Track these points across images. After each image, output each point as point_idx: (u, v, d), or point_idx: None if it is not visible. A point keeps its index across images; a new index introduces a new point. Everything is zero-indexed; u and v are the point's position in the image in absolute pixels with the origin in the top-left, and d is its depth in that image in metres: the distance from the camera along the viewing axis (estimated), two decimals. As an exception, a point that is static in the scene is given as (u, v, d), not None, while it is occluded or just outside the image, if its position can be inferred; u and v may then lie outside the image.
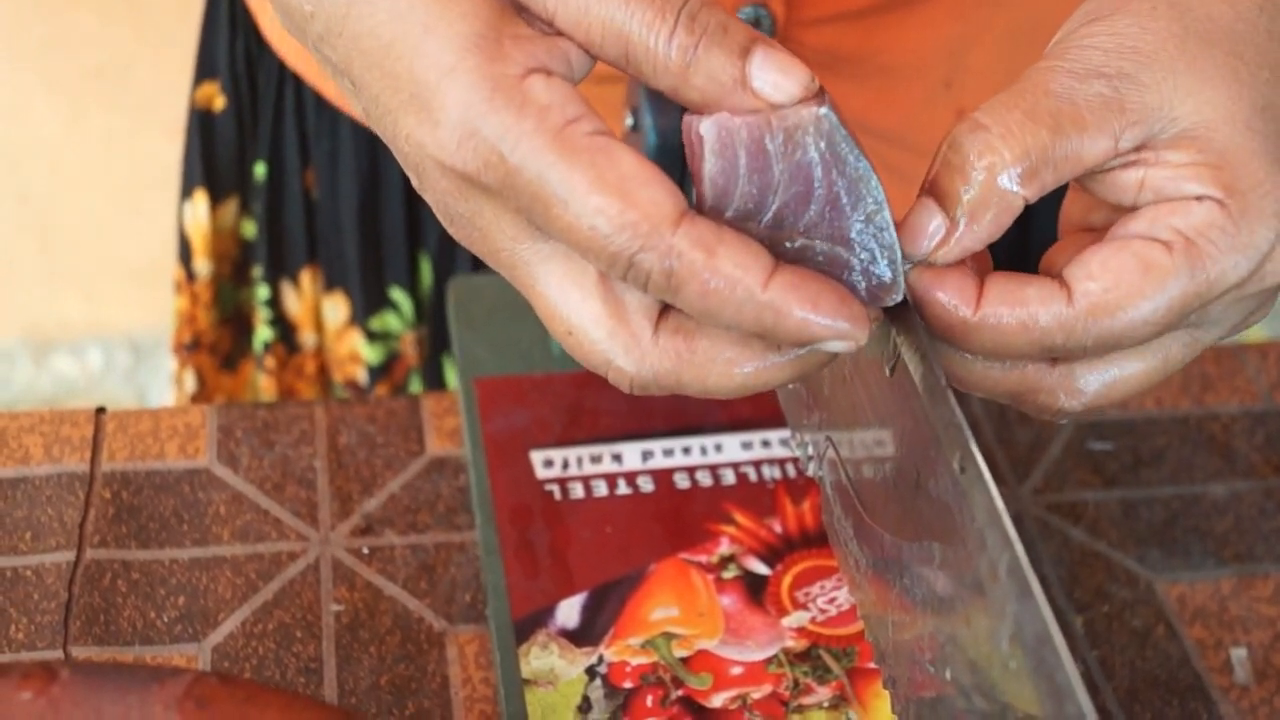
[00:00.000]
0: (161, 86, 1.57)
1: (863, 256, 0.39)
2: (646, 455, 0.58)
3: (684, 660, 0.52)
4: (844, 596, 0.54)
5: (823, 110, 0.38)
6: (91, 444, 0.59)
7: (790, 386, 0.50)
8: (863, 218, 0.39)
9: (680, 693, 0.51)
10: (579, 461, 0.58)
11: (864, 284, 0.40)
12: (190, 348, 0.87)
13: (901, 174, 0.69)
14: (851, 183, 0.39)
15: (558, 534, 0.55)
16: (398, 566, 0.56)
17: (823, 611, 0.54)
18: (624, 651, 0.52)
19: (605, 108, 0.67)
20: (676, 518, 0.56)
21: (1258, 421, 0.64)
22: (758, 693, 0.51)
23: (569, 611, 0.53)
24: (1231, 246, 0.40)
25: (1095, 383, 0.43)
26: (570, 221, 0.36)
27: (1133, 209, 0.42)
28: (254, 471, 0.59)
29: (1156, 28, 0.41)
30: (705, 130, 0.38)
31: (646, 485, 0.57)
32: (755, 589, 0.54)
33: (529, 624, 0.52)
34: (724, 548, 0.55)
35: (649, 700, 0.50)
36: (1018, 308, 0.40)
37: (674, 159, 0.57)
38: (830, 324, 0.37)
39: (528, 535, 0.55)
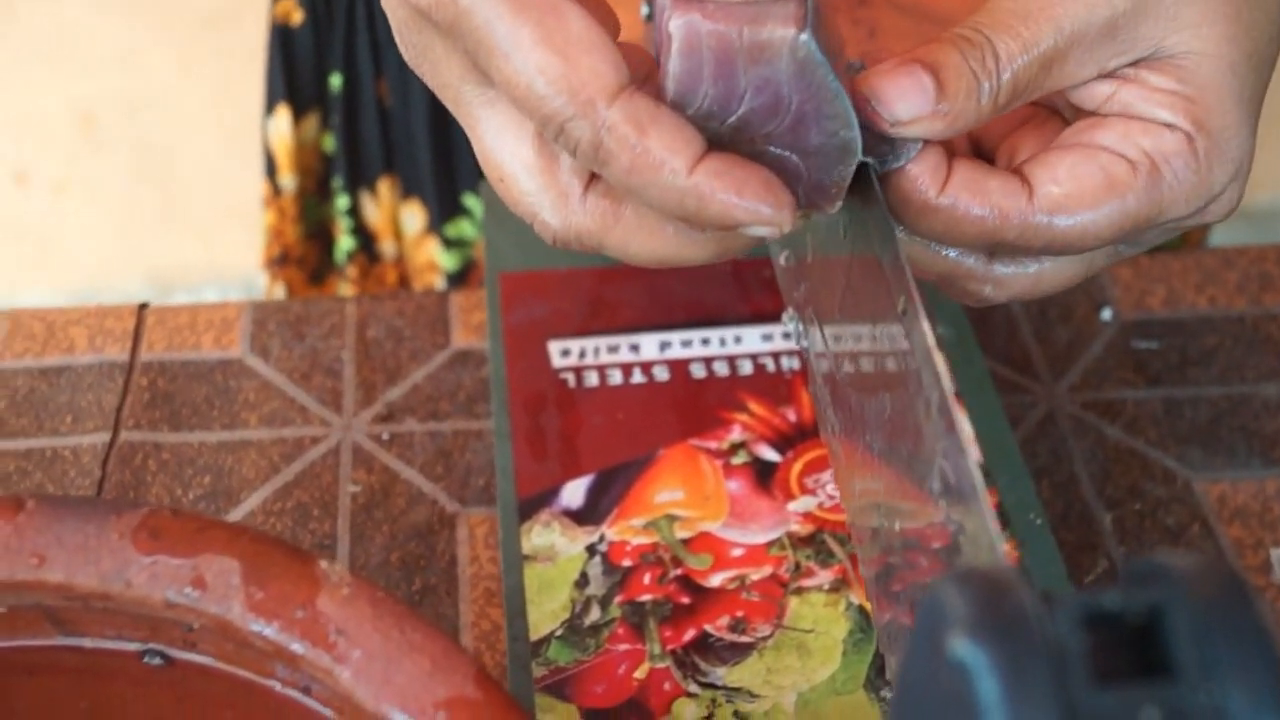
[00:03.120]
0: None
1: (819, 167, 0.41)
2: (664, 346, 0.61)
3: (685, 541, 0.55)
4: (853, 484, 0.57)
5: (803, 37, 0.39)
6: (133, 336, 0.64)
7: (783, 261, 0.53)
8: (827, 136, 0.40)
9: (679, 572, 0.54)
10: (596, 351, 0.61)
11: (812, 189, 0.41)
12: (279, 262, 0.92)
13: None
14: (821, 105, 0.40)
15: (569, 419, 0.59)
16: (415, 451, 0.60)
17: (830, 498, 0.56)
18: (625, 531, 0.55)
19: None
20: (690, 406, 0.59)
21: (1317, 320, 0.65)
22: (757, 574, 0.54)
23: (574, 492, 0.56)
24: (1190, 182, 0.42)
25: (1023, 278, 0.45)
26: (510, 75, 0.38)
27: (1093, 114, 0.44)
28: (284, 362, 0.64)
29: None
30: (674, 29, 0.39)
31: (662, 375, 0.60)
32: (764, 475, 0.57)
33: (534, 503, 0.56)
34: (735, 434, 0.58)
35: (646, 578, 0.54)
36: (979, 198, 0.42)
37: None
38: (752, 209, 0.38)
39: (539, 420, 0.59)
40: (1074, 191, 0.42)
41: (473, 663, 0.36)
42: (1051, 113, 0.46)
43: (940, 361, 0.39)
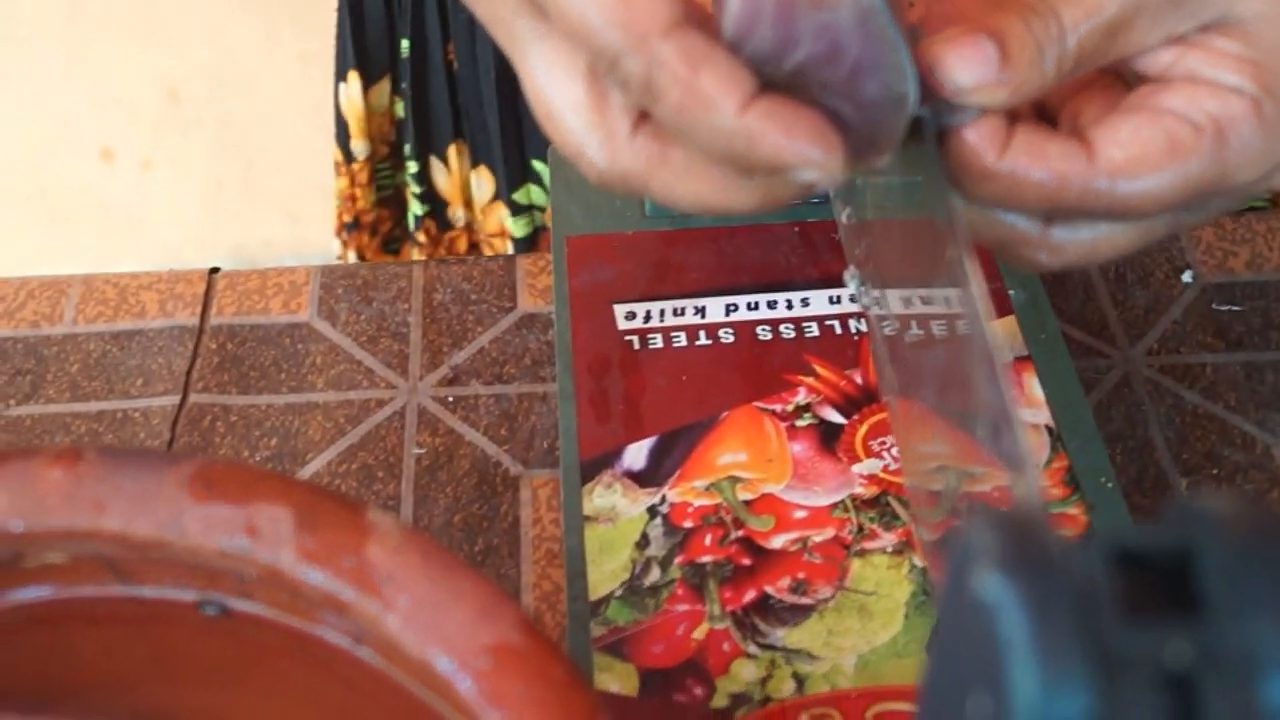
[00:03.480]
0: None
1: (872, 119, 0.40)
2: (730, 309, 0.61)
3: (747, 503, 0.55)
4: (919, 447, 0.56)
5: None
6: (203, 300, 0.65)
7: (844, 219, 0.53)
8: (883, 88, 0.40)
9: (740, 533, 0.54)
10: (661, 314, 0.61)
11: (863, 141, 0.41)
12: (351, 228, 0.93)
13: None
14: (880, 56, 0.39)
15: (632, 382, 0.59)
16: (480, 414, 0.61)
17: (896, 460, 0.56)
18: (687, 493, 0.55)
19: None
20: (755, 368, 0.59)
21: (1404, 283, 0.64)
22: (819, 536, 0.54)
23: (636, 454, 0.56)
24: (1256, 148, 0.42)
25: (1080, 245, 0.44)
26: (565, 6, 0.38)
27: (1158, 79, 0.43)
28: (351, 326, 0.64)
29: None
30: None
31: (727, 337, 0.60)
32: (829, 437, 0.57)
33: (596, 465, 0.56)
34: (800, 397, 0.58)
35: (707, 539, 0.54)
36: (1039, 162, 0.42)
37: None
38: (802, 151, 0.38)
39: (603, 383, 0.59)
40: (1136, 155, 0.41)
41: (518, 610, 0.36)
42: (1115, 77, 0.45)
43: (990, 324, 0.39)
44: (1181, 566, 0.25)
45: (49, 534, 0.39)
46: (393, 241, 0.95)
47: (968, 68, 0.41)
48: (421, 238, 0.90)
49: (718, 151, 0.39)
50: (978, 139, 0.42)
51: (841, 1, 0.39)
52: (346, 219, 0.93)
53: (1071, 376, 0.59)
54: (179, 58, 1.80)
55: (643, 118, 0.41)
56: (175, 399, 0.61)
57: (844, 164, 0.39)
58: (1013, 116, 0.43)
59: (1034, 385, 0.58)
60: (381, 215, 0.94)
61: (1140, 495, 0.57)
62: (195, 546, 0.38)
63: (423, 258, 0.91)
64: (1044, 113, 0.46)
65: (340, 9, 0.89)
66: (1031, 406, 0.57)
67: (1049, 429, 0.56)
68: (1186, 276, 0.64)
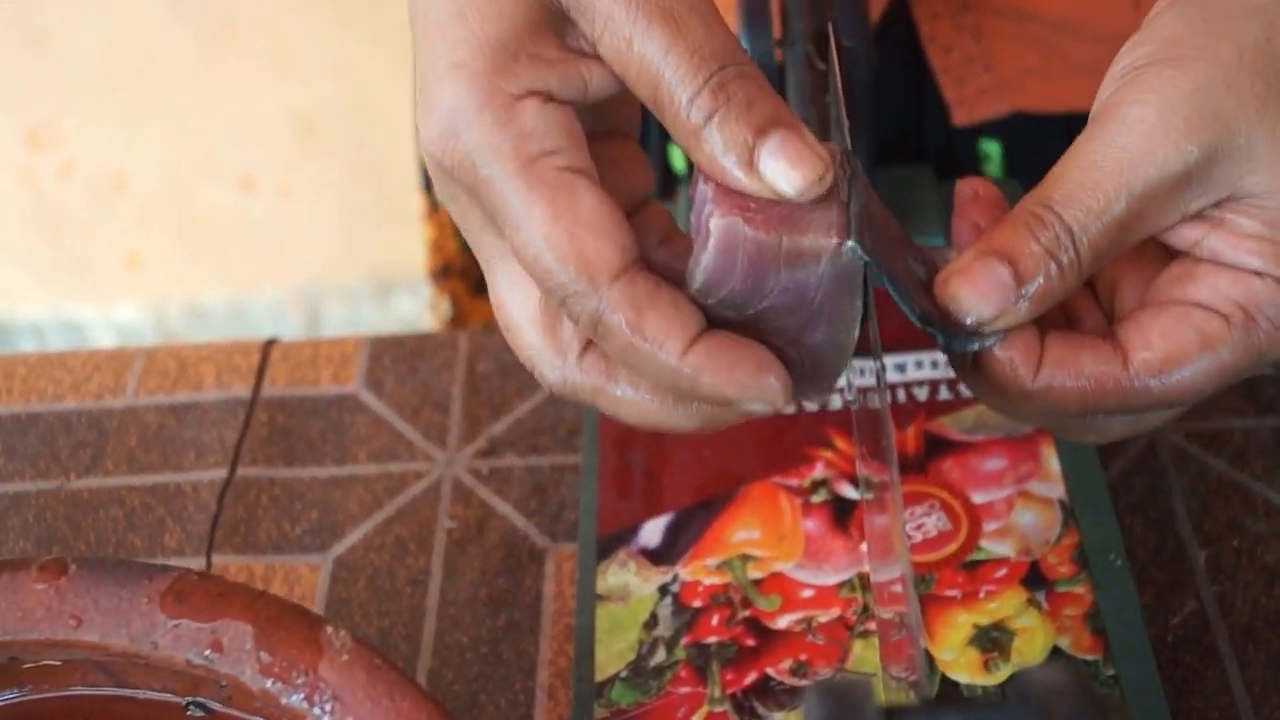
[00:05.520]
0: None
1: (814, 363, 0.42)
2: (755, 380, 0.62)
3: (757, 582, 0.56)
4: (931, 523, 0.57)
5: (848, 243, 0.39)
6: (256, 372, 0.68)
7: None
8: (829, 335, 0.41)
9: (747, 613, 0.55)
10: (687, 387, 0.62)
11: (805, 381, 0.42)
12: (442, 274, 0.95)
13: (1070, 61, 0.70)
14: (840, 305, 0.40)
15: (655, 456, 0.60)
16: (512, 486, 0.62)
17: (908, 538, 0.56)
18: (699, 571, 0.56)
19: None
20: (776, 441, 0.60)
21: None
22: (824, 616, 0.54)
23: (653, 531, 0.57)
24: None
25: (1126, 423, 0.45)
26: (520, 245, 0.39)
27: (1187, 253, 0.44)
28: (396, 396, 0.66)
29: (1241, 84, 0.41)
30: (714, 226, 0.39)
31: (750, 410, 0.61)
32: (842, 514, 0.57)
33: (613, 541, 0.57)
34: (818, 472, 0.59)
35: (714, 619, 0.55)
36: (1075, 378, 0.42)
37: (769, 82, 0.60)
38: (742, 390, 0.39)
39: (627, 457, 0.60)
40: (1169, 354, 0.42)
41: (450, 732, 0.37)
42: (1148, 241, 0.45)
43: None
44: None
45: (34, 644, 0.41)
46: (485, 286, 0.97)
47: (985, 299, 0.41)
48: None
49: (662, 385, 0.40)
50: (1012, 361, 0.42)
51: (818, 260, 0.40)
52: (437, 265, 0.95)
53: (1091, 448, 0.58)
54: (312, 88, 1.85)
55: (592, 342, 0.42)
56: (224, 472, 0.64)
57: (785, 398, 0.40)
58: (1041, 323, 0.43)
59: (1051, 459, 0.58)
60: (471, 261, 0.95)
61: (1157, 568, 0.57)
62: (167, 659, 0.41)
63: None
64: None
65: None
66: (1047, 481, 0.57)
67: (1062, 504, 0.56)
68: (1222, 339, 0.63)
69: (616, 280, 0.39)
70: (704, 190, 0.40)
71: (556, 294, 0.39)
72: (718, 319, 0.40)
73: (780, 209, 0.40)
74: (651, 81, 0.39)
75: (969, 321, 0.41)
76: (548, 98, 0.40)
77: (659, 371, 0.39)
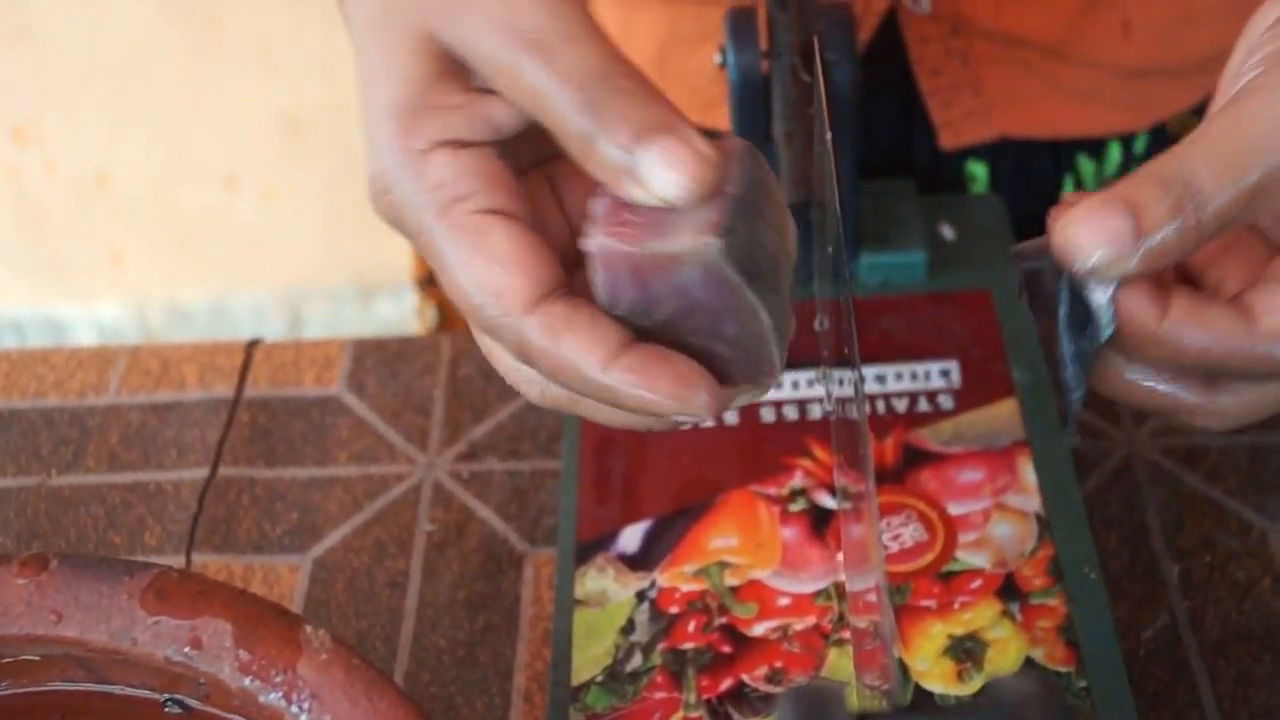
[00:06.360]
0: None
1: (743, 350, 0.42)
2: (736, 389, 0.62)
3: (733, 589, 0.56)
4: (908, 534, 0.57)
5: (709, 242, 0.40)
6: (239, 372, 0.68)
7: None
8: (742, 326, 0.42)
9: (723, 620, 0.55)
10: (668, 394, 0.62)
11: (746, 368, 0.43)
12: (428, 282, 0.95)
13: (1060, 87, 0.71)
14: (729, 300, 0.41)
15: (634, 463, 0.60)
16: (493, 490, 0.63)
17: (884, 548, 0.57)
18: (676, 578, 0.56)
19: (702, 29, 0.71)
20: (755, 450, 0.60)
21: None
22: (800, 624, 0.55)
23: (631, 537, 0.58)
24: None
25: (1241, 404, 0.45)
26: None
27: None
28: (378, 399, 0.67)
29: None
30: (591, 248, 0.41)
31: (731, 418, 0.61)
32: (819, 522, 0.58)
33: (592, 547, 0.58)
34: (796, 481, 0.59)
35: (690, 626, 0.55)
36: (1202, 329, 0.42)
37: (754, 93, 0.61)
38: (664, 400, 0.41)
39: (607, 463, 0.60)
40: None
41: (427, 732, 0.38)
42: (1250, 229, 0.46)
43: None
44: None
45: (14, 639, 0.41)
46: None
47: (1101, 242, 0.41)
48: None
49: (598, 399, 0.42)
50: (1141, 304, 0.42)
51: (685, 264, 0.40)
52: (423, 273, 0.96)
53: (1067, 462, 0.59)
54: (298, 90, 1.85)
55: None
56: (205, 471, 0.64)
57: (711, 408, 0.41)
58: (1160, 279, 0.43)
59: (1028, 470, 0.58)
60: None
61: (1131, 582, 0.57)
62: (146, 655, 0.41)
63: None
64: (1185, 274, 0.46)
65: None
66: (1023, 494, 0.57)
67: (1038, 517, 0.57)
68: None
69: (530, 311, 0.40)
70: (593, 206, 0.42)
71: (484, 326, 0.42)
72: (640, 329, 0.42)
73: (660, 215, 0.40)
74: (542, 110, 0.41)
75: (1077, 267, 0.41)
76: (458, 145, 0.42)
77: (588, 388, 0.41)
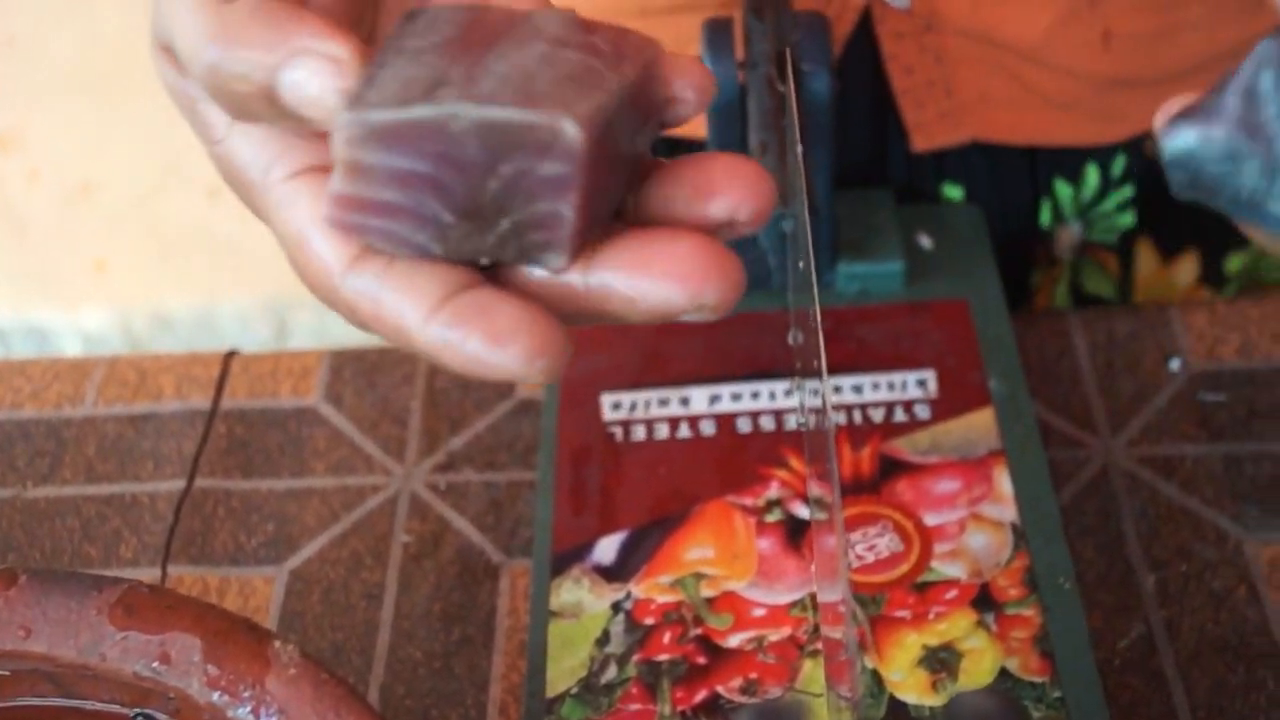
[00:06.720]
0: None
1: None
2: (714, 399, 0.62)
3: (709, 600, 0.56)
4: (883, 544, 0.57)
5: (354, 116, 0.35)
6: (216, 384, 0.68)
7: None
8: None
9: (698, 631, 0.55)
10: (646, 404, 0.62)
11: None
12: None
13: (1036, 92, 0.70)
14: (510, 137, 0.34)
15: (611, 474, 0.60)
16: (469, 501, 0.63)
17: (859, 559, 0.57)
18: (652, 589, 0.56)
19: (679, 39, 0.71)
20: (731, 461, 0.60)
21: (1398, 373, 0.63)
22: (775, 635, 0.55)
23: (607, 548, 0.58)
24: None
25: None
26: (287, 251, 0.39)
27: None
28: (355, 410, 0.67)
29: None
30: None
31: (708, 429, 0.61)
32: (795, 533, 0.58)
33: (567, 558, 0.58)
34: (772, 491, 0.59)
35: (666, 637, 0.55)
36: None
37: (731, 104, 0.61)
38: (489, 362, 0.35)
39: (583, 474, 0.60)
40: None
41: (395, 748, 0.38)
42: None
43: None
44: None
45: (-17, 655, 0.41)
46: None
47: None
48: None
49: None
50: None
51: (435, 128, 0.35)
52: None
53: (1043, 472, 0.59)
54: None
55: None
56: (181, 483, 0.64)
57: (547, 370, 0.35)
58: None
59: (1004, 481, 0.58)
60: None
61: (1106, 592, 0.57)
62: (115, 670, 0.41)
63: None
64: None
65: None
66: (999, 504, 0.57)
67: (1014, 527, 0.57)
68: (1174, 364, 0.64)
69: (344, 281, 0.37)
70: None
71: (325, 301, 0.38)
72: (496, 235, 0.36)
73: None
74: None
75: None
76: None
77: (425, 350, 0.36)
